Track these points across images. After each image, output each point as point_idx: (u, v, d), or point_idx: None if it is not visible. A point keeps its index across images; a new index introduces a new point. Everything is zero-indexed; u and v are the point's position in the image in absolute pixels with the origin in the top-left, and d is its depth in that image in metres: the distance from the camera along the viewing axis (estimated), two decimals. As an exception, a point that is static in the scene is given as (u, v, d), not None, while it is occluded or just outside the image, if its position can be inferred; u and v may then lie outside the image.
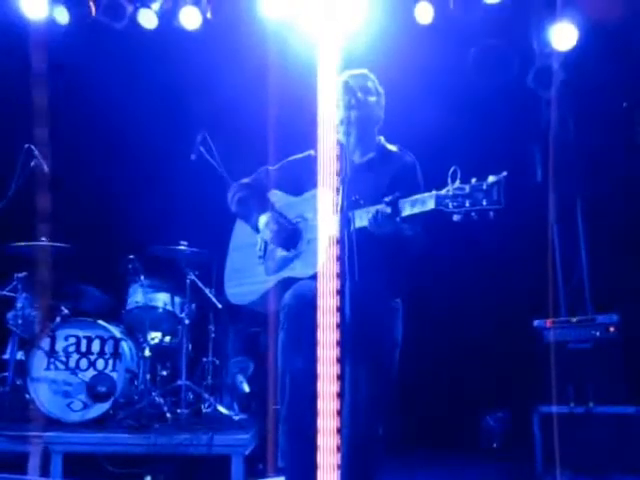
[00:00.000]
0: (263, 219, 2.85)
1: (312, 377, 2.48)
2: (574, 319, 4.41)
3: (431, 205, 2.39)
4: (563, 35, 4.98)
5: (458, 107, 5.09)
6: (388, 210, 2.45)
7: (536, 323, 4.43)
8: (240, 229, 3.11)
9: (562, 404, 4.09)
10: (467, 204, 2.30)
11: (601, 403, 4.02)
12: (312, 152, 2.98)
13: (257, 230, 2.89)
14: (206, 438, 3.73)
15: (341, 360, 2.61)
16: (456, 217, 2.33)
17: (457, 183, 2.34)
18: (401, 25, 5.06)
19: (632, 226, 4.85)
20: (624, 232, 4.89)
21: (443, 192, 2.36)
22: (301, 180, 2.89)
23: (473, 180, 2.33)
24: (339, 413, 2.26)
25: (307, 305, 2.52)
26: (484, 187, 2.29)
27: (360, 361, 2.54)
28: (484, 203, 2.28)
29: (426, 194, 2.42)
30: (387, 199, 2.46)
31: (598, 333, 4.20)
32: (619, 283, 4.73)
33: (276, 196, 3.00)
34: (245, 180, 3.11)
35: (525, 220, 4.77)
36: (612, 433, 3.91)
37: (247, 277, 2.95)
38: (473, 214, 2.30)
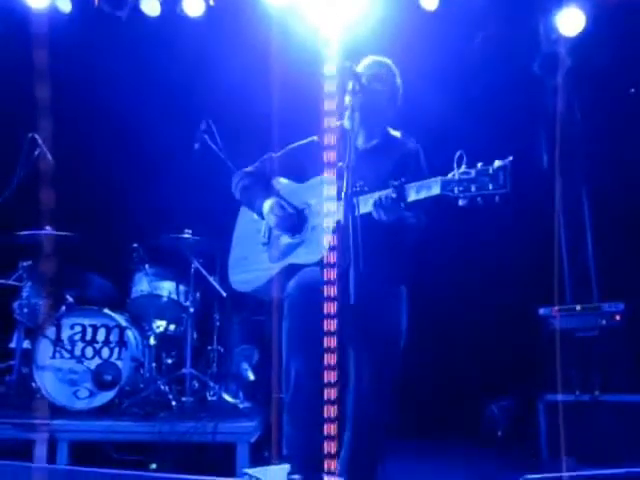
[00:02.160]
0: (267, 204, 2.84)
1: (316, 365, 2.47)
2: (580, 307, 4.39)
3: (436, 190, 2.37)
4: (570, 21, 4.93)
5: (464, 93, 5.05)
6: (394, 195, 2.44)
7: (542, 311, 4.42)
8: (244, 217, 3.10)
9: (568, 392, 4.08)
10: (473, 189, 2.29)
11: (607, 391, 4.01)
12: (315, 138, 2.97)
13: (262, 216, 2.88)
14: (211, 426, 3.74)
15: (345, 347, 2.61)
16: (462, 202, 2.32)
17: (463, 168, 2.32)
18: (405, 11, 5.02)
19: (638, 214, 4.82)
20: (630, 219, 4.86)
21: (449, 177, 2.35)
22: (305, 166, 2.88)
23: (479, 164, 2.32)
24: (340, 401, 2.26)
25: (311, 294, 2.52)
26: (490, 171, 2.28)
27: (364, 347, 2.53)
28: (490, 187, 2.27)
29: (431, 179, 2.40)
30: (394, 183, 2.44)
31: (604, 321, 4.19)
32: (625, 271, 4.70)
33: (280, 183, 2.99)
34: (249, 168, 3.10)
35: (530, 207, 4.75)
36: (618, 421, 3.91)
37: (251, 264, 2.94)
38: (479, 199, 2.29)
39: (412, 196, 2.43)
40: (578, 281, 5.02)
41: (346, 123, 2.80)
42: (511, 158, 2.27)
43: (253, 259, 2.93)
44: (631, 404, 3.92)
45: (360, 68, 2.79)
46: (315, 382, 2.46)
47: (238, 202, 3.12)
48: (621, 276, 4.73)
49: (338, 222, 2.55)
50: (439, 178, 2.37)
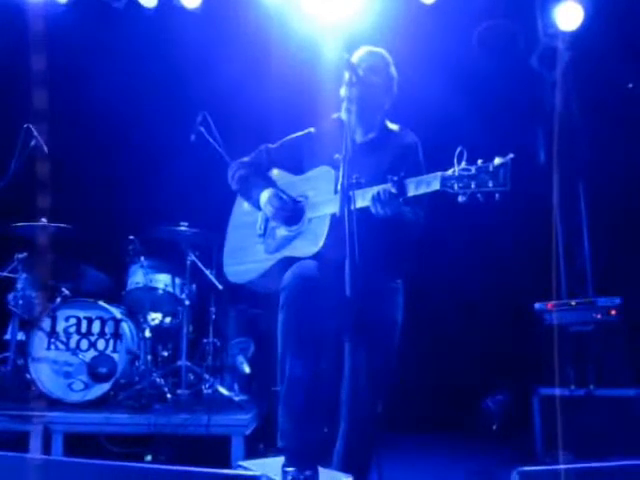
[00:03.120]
0: (265, 195, 2.82)
1: (312, 358, 2.47)
2: (576, 302, 4.40)
3: (436, 186, 2.36)
4: (569, 15, 4.92)
5: (462, 88, 5.03)
6: (393, 190, 2.43)
7: (537, 306, 4.42)
8: (240, 208, 3.08)
9: (563, 387, 4.10)
10: (473, 185, 2.28)
11: (602, 386, 4.02)
12: (312, 129, 2.95)
13: (258, 207, 2.86)
14: (206, 419, 3.74)
15: (342, 339, 2.61)
16: (461, 198, 2.31)
17: (463, 164, 2.31)
18: (404, 5, 5.00)
19: (635, 209, 4.83)
20: (627, 215, 4.86)
21: (449, 173, 2.33)
22: (301, 158, 2.87)
23: (479, 161, 2.31)
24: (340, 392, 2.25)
25: (307, 286, 2.51)
26: (490, 169, 2.27)
27: (360, 340, 2.53)
28: (490, 185, 2.26)
29: (431, 175, 2.39)
30: (394, 178, 2.43)
31: (600, 316, 4.19)
32: (621, 266, 4.71)
33: (277, 175, 2.97)
34: (245, 158, 3.08)
35: (527, 202, 4.75)
36: (613, 416, 3.92)
37: (246, 256, 2.92)
38: (479, 196, 2.28)
39: (411, 191, 2.42)
40: (574, 276, 5.03)
41: (343, 115, 2.79)
42: (512, 155, 2.26)
43: (248, 251, 2.92)
44: (626, 399, 3.93)
45: (355, 59, 2.77)
46: (310, 374, 2.46)
47: (235, 194, 3.10)
48: (617, 271, 4.74)
49: (334, 215, 2.54)
50: (439, 174, 2.36)
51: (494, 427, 4.89)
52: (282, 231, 2.81)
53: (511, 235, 5.12)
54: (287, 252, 2.74)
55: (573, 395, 4.06)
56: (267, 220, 2.89)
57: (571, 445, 3.86)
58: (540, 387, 4.20)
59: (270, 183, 2.90)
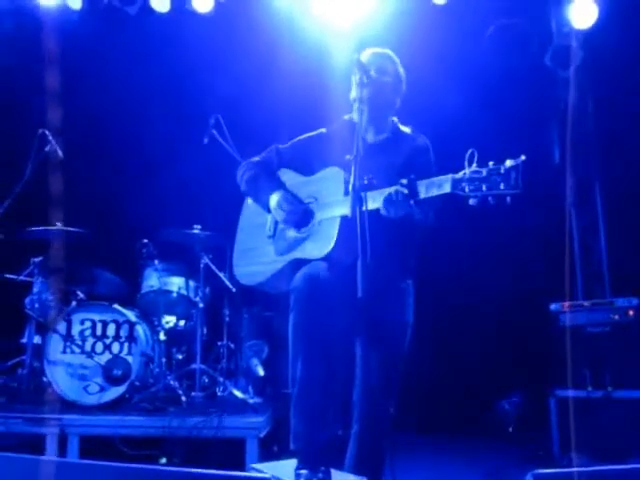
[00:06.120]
0: (274, 198, 2.80)
1: (323, 359, 2.46)
2: (592, 302, 4.35)
3: (447, 189, 2.34)
4: (583, 13, 4.88)
5: (475, 87, 5.01)
6: (405, 191, 2.41)
7: (553, 307, 4.38)
8: (249, 208, 3.07)
9: (579, 388, 4.05)
10: (484, 188, 2.25)
11: (619, 387, 3.97)
12: (323, 130, 2.94)
13: (268, 210, 2.85)
14: (220, 421, 3.74)
15: (353, 341, 2.59)
16: (472, 201, 2.28)
17: (474, 166, 2.29)
18: (417, 5, 4.99)
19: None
20: (644, 214, 4.81)
21: (459, 175, 2.31)
22: (312, 159, 2.86)
23: (490, 163, 2.28)
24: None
25: (318, 287, 2.50)
26: (502, 171, 2.24)
27: (372, 341, 2.52)
28: (501, 187, 2.23)
29: (442, 177, 2.37)
30: (404, 181, 2.41)
31: (617, 317, 4.14)
32: (639, 266, 4.65)
33: (287, 175, 2.96)
34: (255, 158, 3.06)
35: (543, 202, 4.71)
36: (630, 418, 3.87)
37: (256, 257, 2.91)
38: (490, 199, 2.26)
39: (422, 193, 2.40)
40: (591, 277, 4.98)
41: (355, 116, 2.78)
42: (523, 157, 2.22)
43: (258, 252, 2.90)
44: (644, 401, 3.89)
45: (364, 60, 2.76)
46: (322, 376, 2.45)
47: (243, 193, 3.09)
48: (635, 271, 4.68)
49: (344, 217, 2.54)
50: (450, 176, 2.33)
51: (510, 429, 4.85)
52: (292, 232, 2.80)
53: (527, 235, 5.08)
54: (297, 254, 2.73)
55: (590, 397, 4.02)
56: (277, 221, 2.88)
57: (588, 447, 3.82)
58: (557, 389, 4.16)
59: (279, 185, 2.89)
